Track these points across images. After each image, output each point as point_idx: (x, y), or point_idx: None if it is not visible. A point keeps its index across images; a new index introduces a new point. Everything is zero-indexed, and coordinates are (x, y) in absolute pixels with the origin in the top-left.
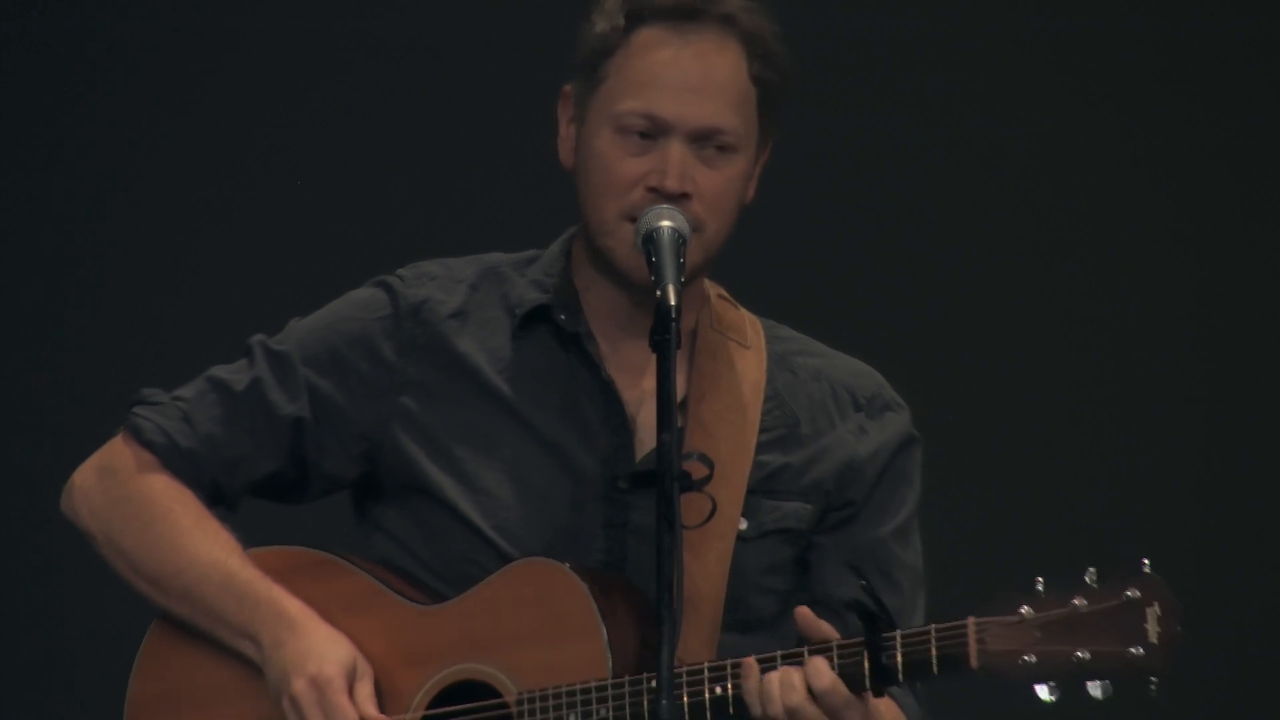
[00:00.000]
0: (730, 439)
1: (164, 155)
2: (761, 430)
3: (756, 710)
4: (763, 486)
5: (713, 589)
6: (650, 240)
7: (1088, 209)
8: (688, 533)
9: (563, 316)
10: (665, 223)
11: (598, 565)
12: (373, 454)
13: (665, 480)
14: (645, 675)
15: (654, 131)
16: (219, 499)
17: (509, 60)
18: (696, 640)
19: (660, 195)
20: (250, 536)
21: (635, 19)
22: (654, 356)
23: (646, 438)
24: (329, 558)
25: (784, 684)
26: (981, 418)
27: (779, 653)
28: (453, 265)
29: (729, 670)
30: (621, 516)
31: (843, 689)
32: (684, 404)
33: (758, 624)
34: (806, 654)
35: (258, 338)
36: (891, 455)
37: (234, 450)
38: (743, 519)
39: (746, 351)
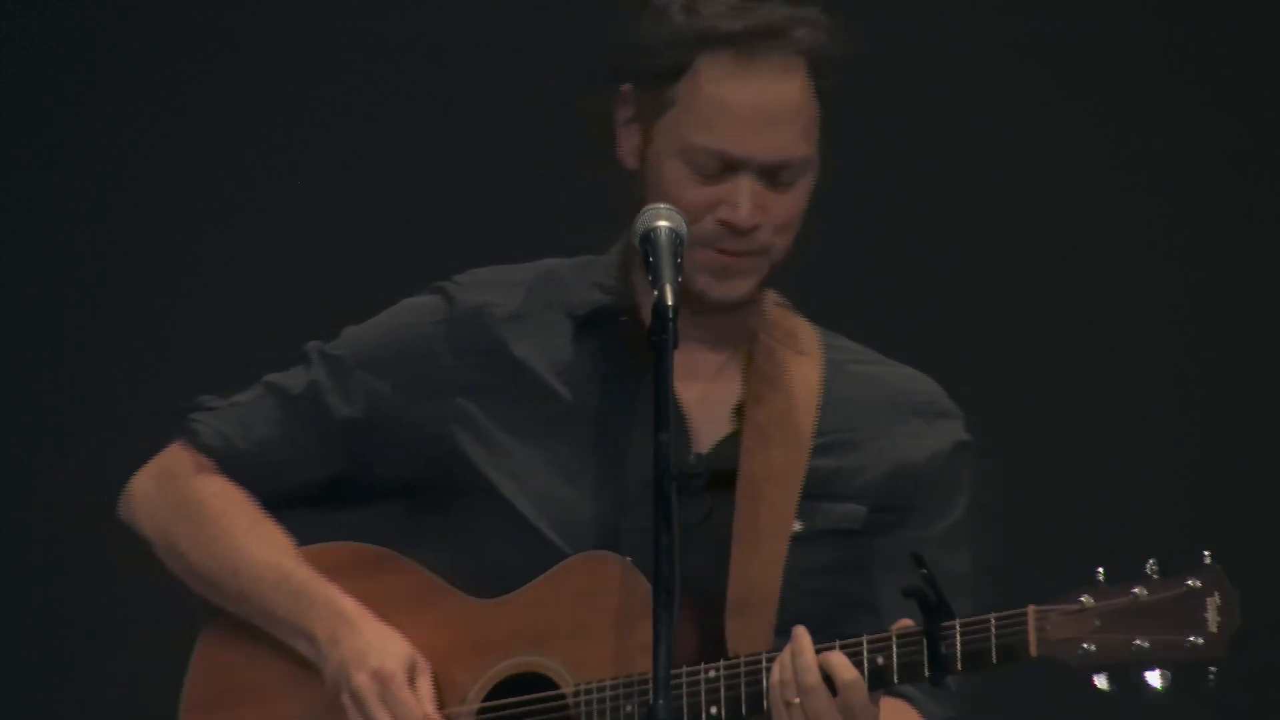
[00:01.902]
0: (785, 442)
1: (164, 155)
2: (817, 434)
3: (775, 675)
4: (818, 489)
5: (767, 591)
6: (647, 240)
7: (1085, 212)
8: (742, 531)
9: (623, 318)
10: (662, 223)
11: (651, 565)
12: (429, 457)
13: (661, 480)
14: (704, 665)
15: (724, 169)
16: (276, 502)
17: (509, 60)
18: (754, 636)
19: (729, 229)
20: (307, 539)
21: (702, 43)
22: (706, 357)
23: (702, 439)
24: (385, 553)
25: (801, 666)
26: (981, 419)
27: (837, 642)
28: (508, 271)
29: (763, 661)
30: (690, 519)
31: (861, 687)
32: (740, 408)
33: (812, 626)
34: (865, 646)
35: (314, 344)
36: (945, 461)
37: (290, 453)
38: (797, 520)
39: (803, 358)
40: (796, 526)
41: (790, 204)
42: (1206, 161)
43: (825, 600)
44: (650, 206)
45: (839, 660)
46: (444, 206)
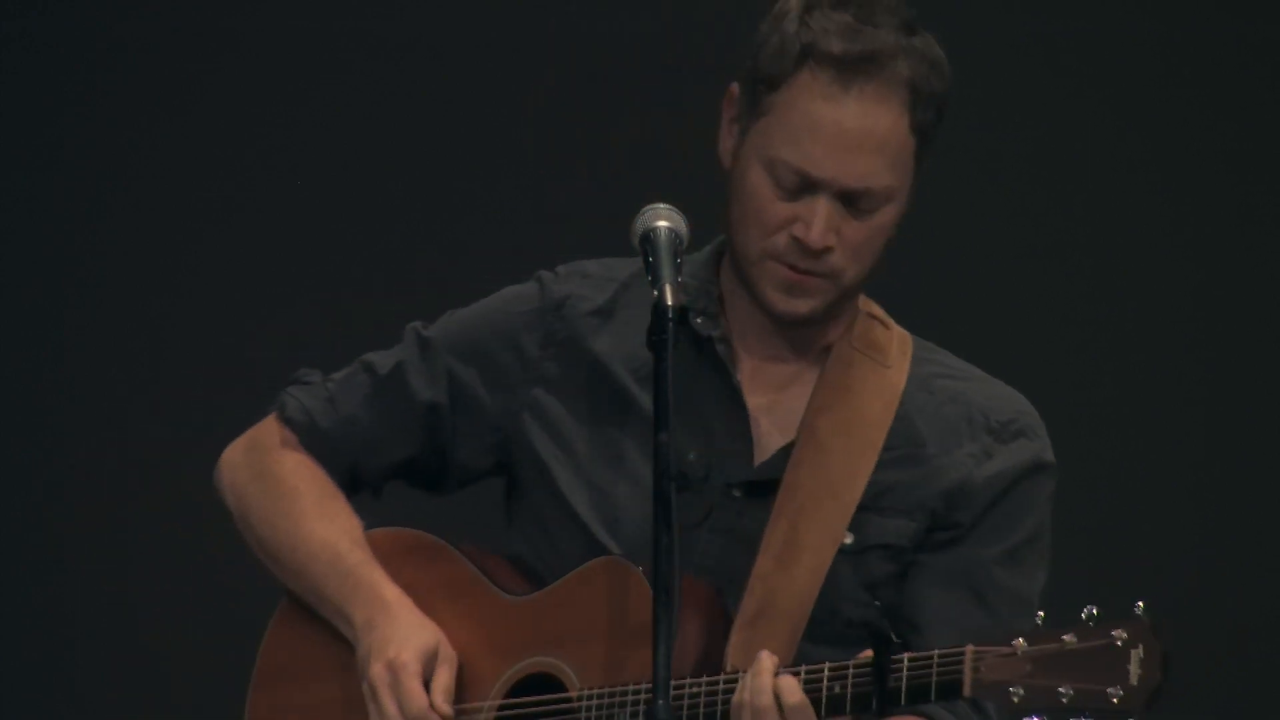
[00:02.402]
0: (845, 453)
1: (164, 155)
2: (885, 449)
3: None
4: (873, 503)
5: (796, 604)
6: (647, 240)
7: (1084, 213)
8: (774, 543)
9: (699, 319)
10: (662, 223)
11: (700, 569)
12: (504, 445)
13: (661, 480)
14: (688, 680)
15: (803, 187)
16: (358, 481)
17: (509, 60)
18: (762, 648)
19: (801, 246)
20: (392, 521)
21: (805, 55)
22: (780, 365)
23: (767, 446)
24: (437, 542)
25: (756, 688)
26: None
27: (803, 666)
28: (612, 264)
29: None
30: (733, 524)
31: (806, 711)
32: (804, 416)
33: (844, 637)
34: (826, 674)
35: (413, 324)
36: (1013, 481)
37: (371, 432)
38: (849, 533)
39: (885, 370)
40: (847, 540)
41: (867, 232)
42: (1206, 162)
43: (873, 615)
44: (650, 206)
45: (787, 684)
46: (444, 206)
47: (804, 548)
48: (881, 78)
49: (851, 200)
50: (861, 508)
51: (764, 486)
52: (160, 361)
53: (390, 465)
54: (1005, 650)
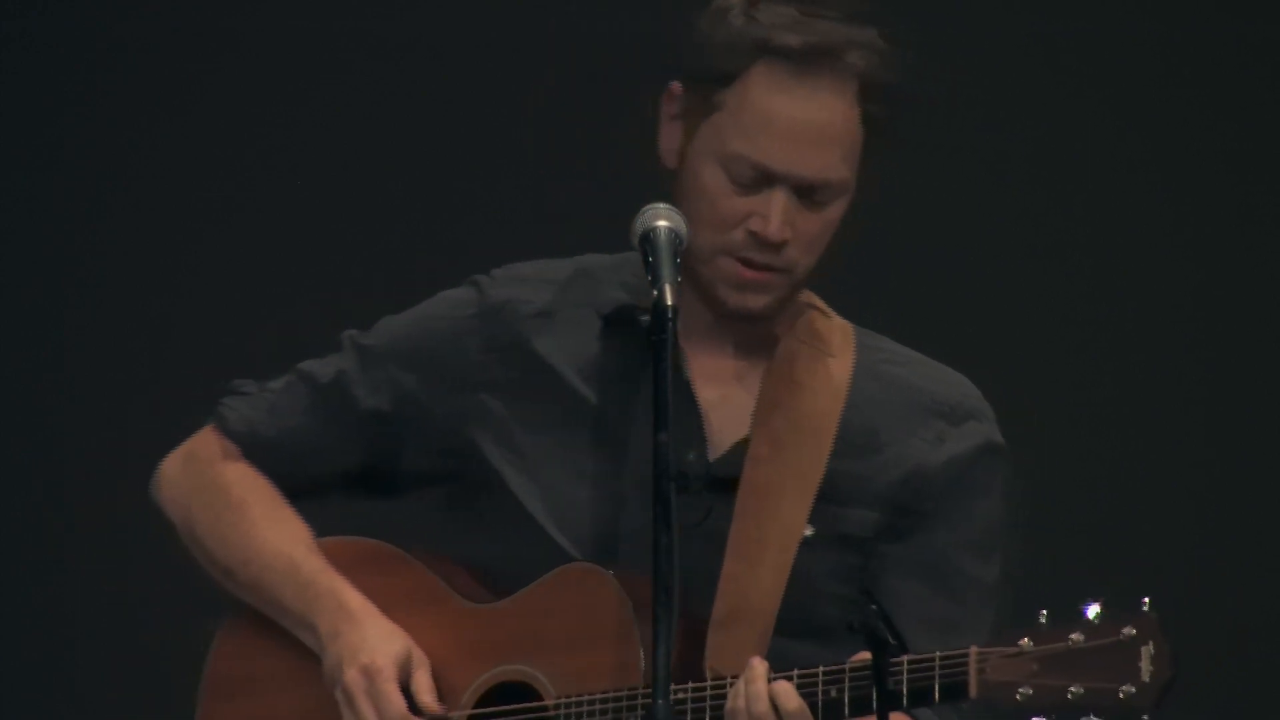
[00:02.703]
0: (800, 446)
1: (164, 155)
2: (838, 439)
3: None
4: (831, 494)
5: (766, 601)
6: (647, 240)
7: (1084, 212)
8: (739, 542)
9: (644, 317)
10: (662, 222)
11: (664, 569)
12: (451, 450)
13: (661, 480)
14: (673, 687)
15: (759, 181)
16: (301, 491)
17: (509, 60)
18: (736, 650)
19: (758, 240)
20: (338, 530)
21: (758, 50)
22: (729, 360)
23: (721, 442)
24: (395, 551)
25: (752, 695)
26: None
27: (795, 671)
28: (546, 266)
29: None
30: (691, 522)
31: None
32: (755, 412)
33: (815, 631)
34: (820, 677)
35: (349, 333)
36: (968, 465)
37: (315, 442)
38: (809, 525)
39: (831, 360)
40: (807, 531)
41: (820, 224)
42: (1206, 162)
43: (837, 607)
44: (650, 206)
45: (784, 689)
46: (444, 206)
47: (768, 544)
48: (835, 70)
49: (807, 193)
50: (820, 499)
51: (720, 483)
52: (160, 361)
53: (333, 474)
54: (1011, 650)
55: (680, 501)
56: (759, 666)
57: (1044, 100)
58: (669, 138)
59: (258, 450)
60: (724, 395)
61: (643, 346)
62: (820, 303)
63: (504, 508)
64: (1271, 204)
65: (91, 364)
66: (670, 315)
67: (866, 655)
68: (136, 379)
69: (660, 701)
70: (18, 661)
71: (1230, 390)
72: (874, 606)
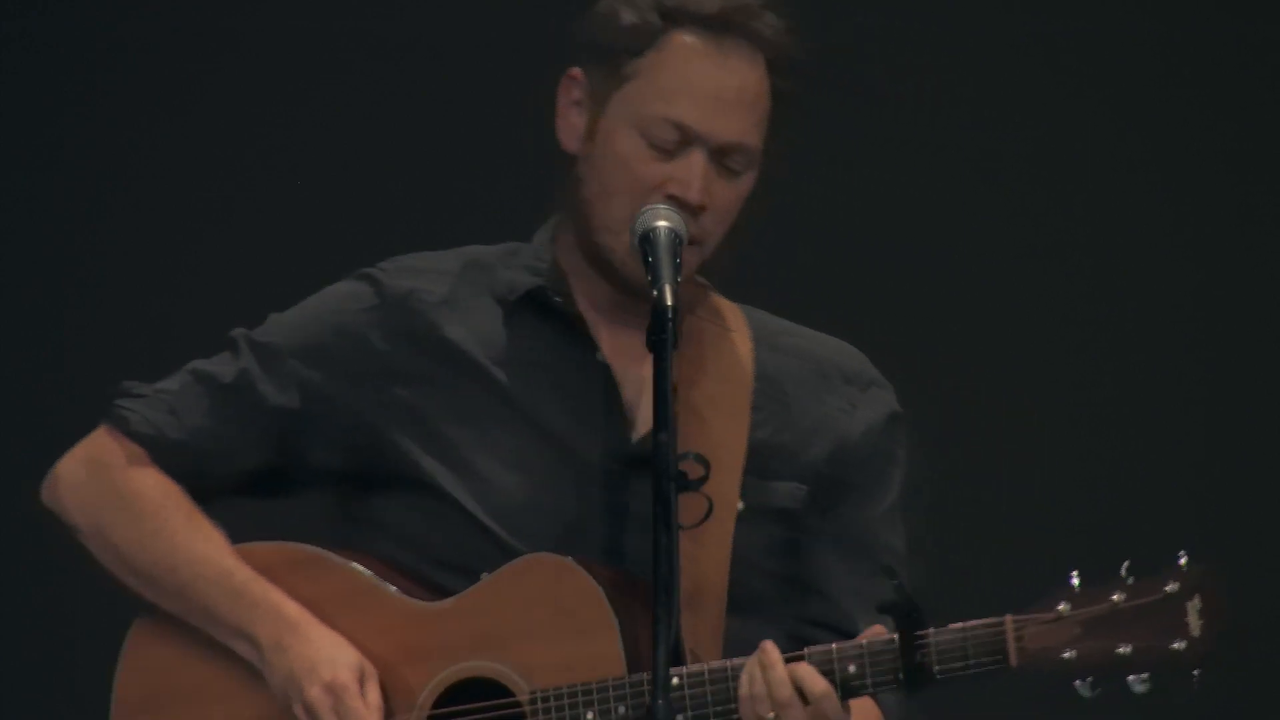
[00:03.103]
0: (723, 423)
1: (164, 155)
2: (754, 410)
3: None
4: (758, 468)
5: (718, 575)
6: (647, 240)
7: (1083, 212)
8: (685, 527)
9: (558, 299)
10: (662, 223)
11: (598, 553)
12: (362, 445)
13: (661, 480)
14: (646, 676)
15: (679, 142)
16: (203, 492)
17: (509, 60)
18: (705, 628)
19: (679, 204)
20: (233, 532)
21: (670, 19)
22: (636, 339)
23: (638, 422)
24: (320, 553)
25: (774, 681)
26: (978, 421)
27: (805, 650)
28: (433, 258)
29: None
30: (621, 504)
31: (832, 697)
32: (674, 392)
33: (755, 606)
34: (835, 655)
35: (239, 331)
36: (880, 434)
37: (222, 443)
38: (740, 500)
39: (732, 335)
40: (740, 506)
41: (734, 195)
42: (1205, 162)
43: (774, 583)
44: (649, 206)
45: (808, 672)
46: (444, 206)
47: (711, 522)
48: (748, 38)
49: (724, 156)
50: (748, 473)
51: (642, 462)
52: (160, 361)
53: (238, 474)
54: (1049, 616)
55: (610, 486)
56: (773, 650)
57: (1041, 100)
58: (571, 123)
59: (165, 453)
60: (628, 371)
61: (553, 330)
62: (705, 280)
63: (427, 499)
64: (1270, 205)
65: (91, 364)
66: (670, 315)
67: (878, 630)
68: (137, 379)
69: (660, 701)
70: (18, 661)
71: (1230, 390)
72: (896, 582)
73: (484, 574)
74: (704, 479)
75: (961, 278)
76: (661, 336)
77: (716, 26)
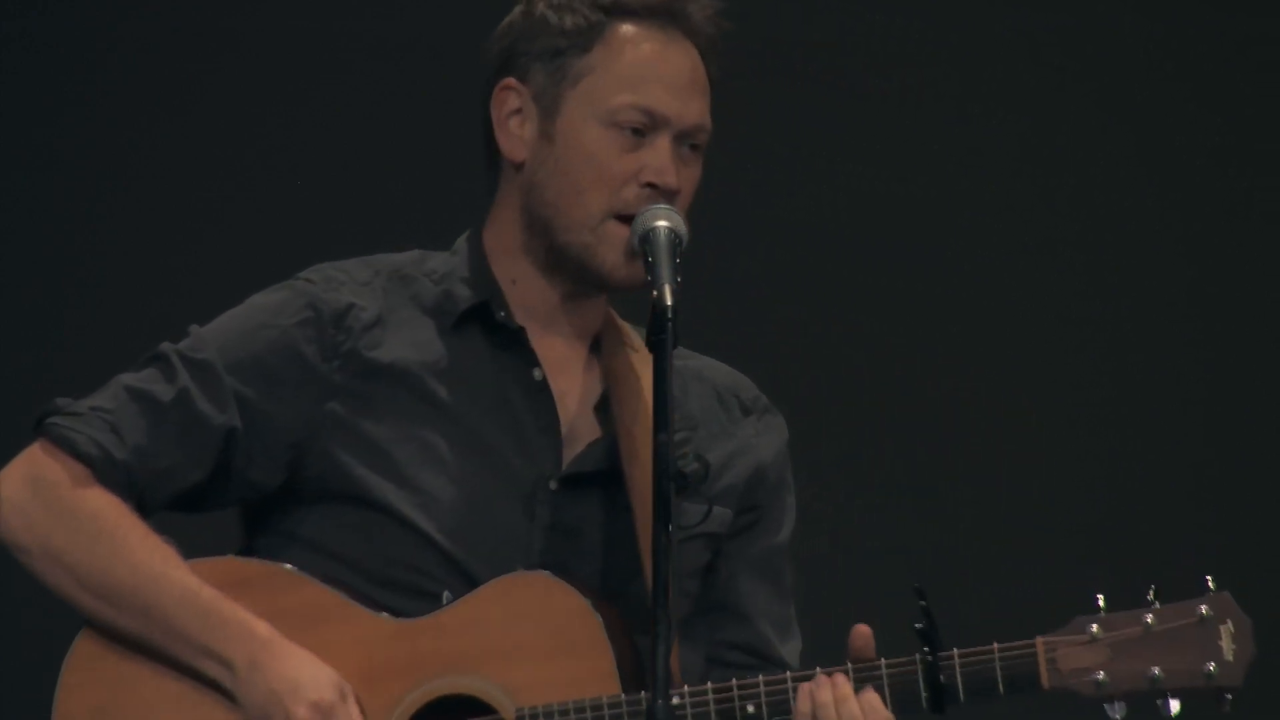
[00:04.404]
0: (646, 442)
1: (164, 155)
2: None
3: None
4: (687, 491)
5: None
6: (647, 240)
7: (1073, 209)
8: (642, 543)
9: (502, 314)
10: (662, 223)
11: (539, 567)
12: (299, 462)
13: (661, 480)
14: (644, 695)
15: (648, 127)
16: (142, 509)
17: None
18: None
19: (656, 191)
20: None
21: (613, 13)
22: (575, 353)
23: (575, 437)
24: (280, 569)
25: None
26: (978, 421)
27: (817, 668)
28: (350, 269)
29: (762, 687)
30: (556, 518)
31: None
32: (599, 408)
33: (680, 626)
34: (851, 672)
35: (167, 346)
36: (783, 461)
37: (162, 462)
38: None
39: (639, 354)
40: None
41: (693, 180)
42: (1197, 157)
43: (688, 603)
44: (650, 206)
45: (873, 701)
46: (443, 206)
47: (647, 543)
48: (686, 26)
49: (686, 140)
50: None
51: (580, 479)
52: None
53: (177, 492)
54: (1080, 638)
55: (550, 504)
56: (845, 685)
57: (1031, 95)
58: (515, 132)
59: (111, 473)
60: (567, 386)
61: (493, 345)
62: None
63: (371, 517)
64: (1264, 201)
65: (91, 364)
66: (670, 315)
67: (862, 640)
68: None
69: (660, 702)
70: (18, 661)
71: (1227, 391)
72: (923, 603)
73: (446, 594)
74: (704, 479)
75: (960, 278)
76: (661, 336)
77: (659, 14)
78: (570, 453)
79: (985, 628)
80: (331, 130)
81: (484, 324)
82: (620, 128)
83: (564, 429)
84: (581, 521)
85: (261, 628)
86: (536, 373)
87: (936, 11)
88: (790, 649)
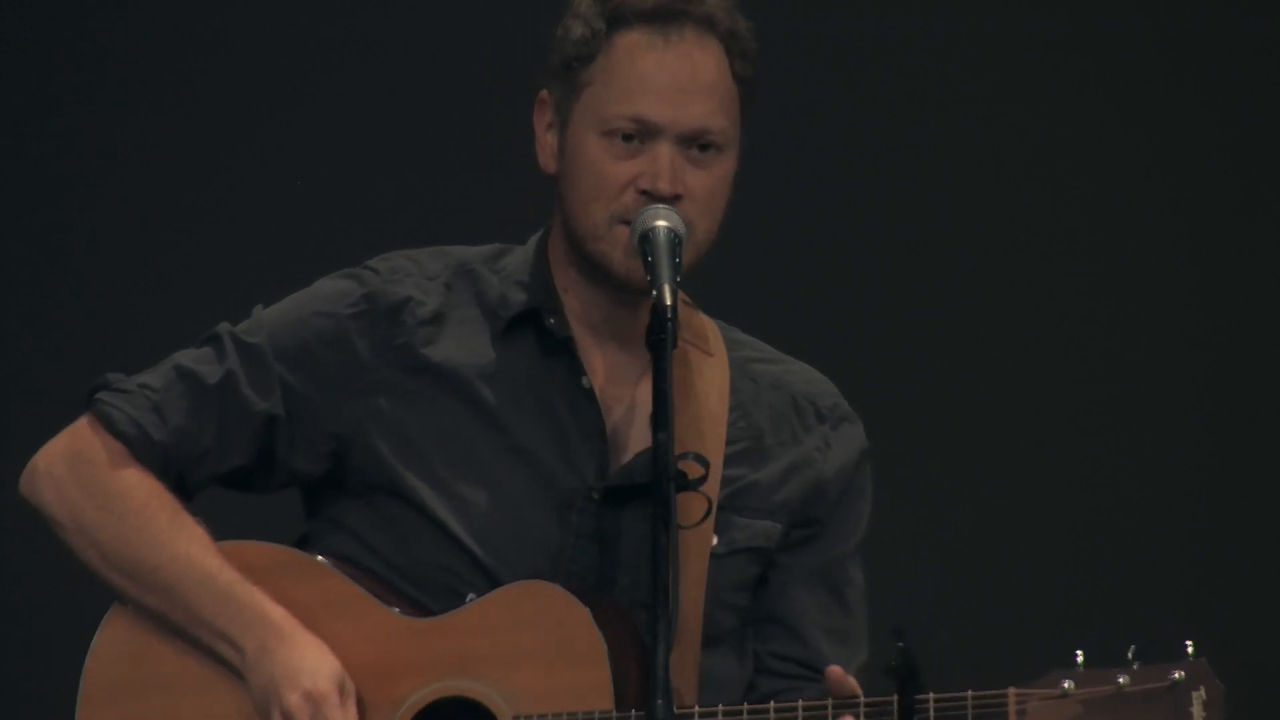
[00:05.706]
0: (700, 451)
1: (161, 155)
2: (728, 442)
3: None
4: (732, 503)
5: (694, 612)
6: (646, 240)
7: (1080, 209)
8: (672, 555)
9: (551, 320)
10: (661, 222)
11: (570, 575)
12: (342, 452)
13: (661, 480)
14: (634, 713)
15: (643, 135)
16: (181, 490)
17: (507, 60)
18: (682, 665)
19: (652, 198)
20: (216, 526)
21: (615, 23)
22: (630, 361)
23: (621, 448)
24: (307, 558)
25: None
26: (977, 422)
27: (800, 701)
28: (422, 260)
29: (745, 714)
30: (595, 527)
31: None
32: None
33: (720, 640)
34: (831, 709)
35: (225, 327)
36: (853, 471)
37: (202, 444)
38: (714, 535)
39: (711, 359)
40: (714, 543)
41: (711, 182)
42: (1204, 157)
43: (735, 616)
44: (650, 206)
45: None
46: (443, 206)
47: (688, 555)
48: (695, 24)
49: (689, 142)
50: (721, 508)
51: (623, 491)
52: (158, 360)
53: (218, 474)
54: (1053, 692)
55: (591, 514)
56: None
57: (1039, 95)
58: (547, 145)
59: (148, 452)
60: (618, 396)
61: (543, 351)
62: (687, 297)
63: (405, 514)
64: (1268, 200)
65: (91, 363)
66: (670, 315)
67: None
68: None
69: (660, 702)
70: (18, 661)
71: (1227, 390)
72: (901, 644)
73: (470, 595)
74: (703, 479)
75: (960, 278)
76: (661, 336)
77: (659, 17)
78: (617, 462)
79: (967, 666)
80: (331, 130)
81: (536, 329)
82: (614, 136)
83: (612, 438)
84: (621, 532)
85: (276, 613)
86: (584, 381)
87: (947, 11)
88: (846, 659)
